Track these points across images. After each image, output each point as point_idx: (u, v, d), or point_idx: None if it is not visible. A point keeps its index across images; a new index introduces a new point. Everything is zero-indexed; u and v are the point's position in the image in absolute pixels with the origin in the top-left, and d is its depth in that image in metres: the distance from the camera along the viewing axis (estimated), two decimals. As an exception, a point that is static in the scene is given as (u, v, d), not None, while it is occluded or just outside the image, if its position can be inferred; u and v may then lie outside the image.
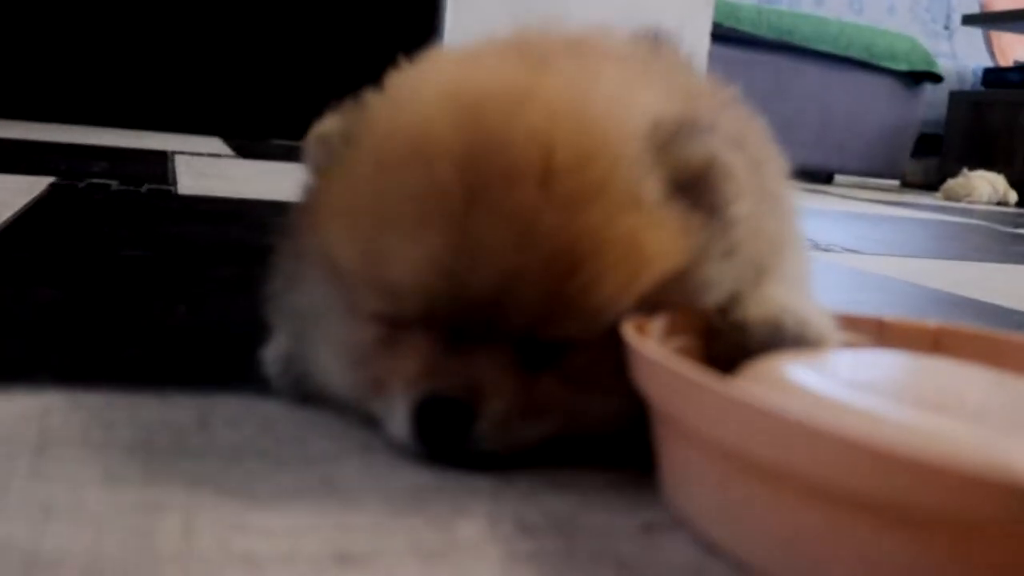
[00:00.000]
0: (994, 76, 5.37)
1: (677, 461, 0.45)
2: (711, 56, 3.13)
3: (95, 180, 1.68)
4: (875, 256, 1.69)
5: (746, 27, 4.34)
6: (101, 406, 0.53)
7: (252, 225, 1.31)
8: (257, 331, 0.60)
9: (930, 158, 5.39)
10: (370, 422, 0.52)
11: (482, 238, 0.46)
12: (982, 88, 5.43)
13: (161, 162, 2.21)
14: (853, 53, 4.67)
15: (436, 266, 0.47)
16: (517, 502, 0.45)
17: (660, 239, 0.48)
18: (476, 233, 0.46)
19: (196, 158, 2.44)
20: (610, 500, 0.47)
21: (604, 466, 0.50)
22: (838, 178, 5.08)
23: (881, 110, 4.87)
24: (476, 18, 2.87)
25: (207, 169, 2.17)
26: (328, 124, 0.54)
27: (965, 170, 4.55)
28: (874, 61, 4.74)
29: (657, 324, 0.49)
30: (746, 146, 0.56)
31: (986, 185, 4.45)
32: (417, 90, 0.52)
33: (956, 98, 5.33)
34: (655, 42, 0.65)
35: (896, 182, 5.42)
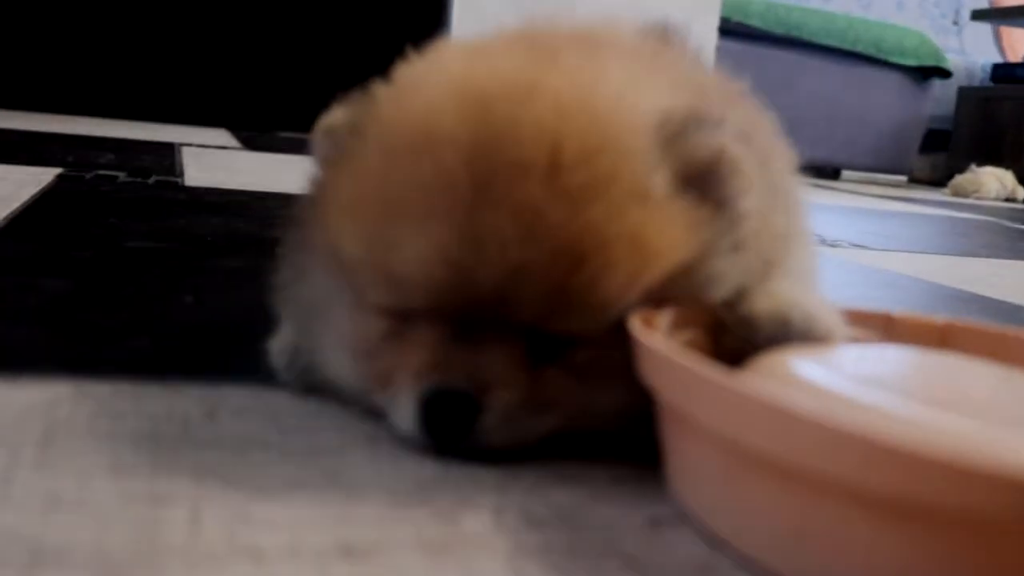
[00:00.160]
0: (1003, 71, 5.35)
1: (683, 456, 0.45)
2: (719, 51, 3.12)
3: (102, 172, 1.68)
4: (883, 252, 1.69)
5: (754, 22, 4.33)
6: (108, 396, 0.54)
7: (259, 217, 1.31)
8: (264, 323, 0.60)
9: (938, 154, 5.38)
10: (376, 414, 0.52)
11: (488, 231, 0.46)
12: (991, 83, 5.42)
13: (168, 154, 2.21)
14: (861, 48, 4.66)
15: (442, 258, 0.47)
16: (523, 495, 0.45)
17: (667, 233, 0.48)
18: (483, 226, 0.46)
19: (203, 150, 2.44)
20: (617, 494, 0.47)
21: (611, 460, 0.50)
22: (845, 173, 5.07)
23: (889, 105, 4.86)
24: (484, 10, 2.87)
25: (214, 161, 2.17)
26: (335, 116, 0.54)
27: (973, 166, 4.54)
28: (882, 56, 4.72)
29: (664, 318, 0.49)
30: (754, 140, 0.55)
31: (994, 181, 4.43)
32: (425, 82, 0.52)
33: (965, 93, 5.32)
34: (663, 36, 0.65)
35: (904, 178, 5.41)
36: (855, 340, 0.52)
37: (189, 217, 1.26)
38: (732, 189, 0.50)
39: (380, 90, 0.53)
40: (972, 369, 0.49)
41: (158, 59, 3.58)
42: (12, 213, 1.14)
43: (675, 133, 0.50)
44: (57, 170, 1.62)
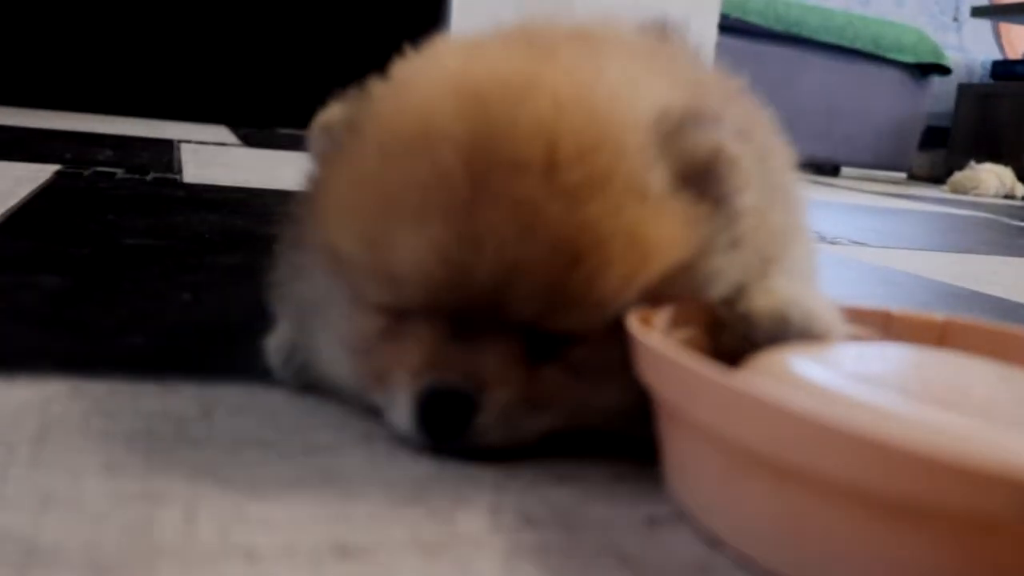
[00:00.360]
0: (1003, 69, 5.35)
1: (681, 454, 0.45)
2: (718, 47, 3.12)
3: (100, 168, 1.68)
4: (881, 249, 1.68)
5: (753, 18, 4.33)
6: (103, 395, 0.53)
7: (257, 214, 1.31)
8: (261, 320, 0.59)
9: (937, 151, 5.38)
10: (372, 412, 0.51)
11: (485, 228, 0.46)
12: (990, 81, 5.41)
13: (167, 151, 2.21)
14: (860, 45, 4.66)
15: (439, 256, 0.46)
16: (520, 494, 0.45)
17: (665, 231, 0.48)
18: (479, 223, 0.46)
19: (202, 147, 2.44)
20: (614, 493, 0.46)
21: (608, 459, 0.50)
22: (845, 170, 5.07)
23: (888, 102, 4.86)
24: (483, 7, 2.86)
25: (213, 158, 2.16)
26: (332, 112, 0.54)
27: (972, 163, 4.54)
28: (881, 53, 4.72)
29: (662, 316, 0.49)
30: (753, 137, 0.55)
31: (993, 178, 4.44)
32: (422, 79, 0.51)
33: (964, 91, 5.32)
34: (662, 33, 0.65)
35: (903, 175, 5.41)
36: (854, 338, 0.52)
37: (187, 214, 1.25)
38: (730, 186, 0.50)
39: (377, 87, 0.53)
40: (971, 367, 0.49)
41: (157, 55, 3.58)
42: (10, 210, 1.14)
43: (673, 130, 0.49)
44: (55, 167, 1.62)
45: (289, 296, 0.57)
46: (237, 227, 1.19)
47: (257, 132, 3.29)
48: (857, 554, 0.36)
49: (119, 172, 1.65)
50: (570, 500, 0.45)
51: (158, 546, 0.37)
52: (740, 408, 0.38)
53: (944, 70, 4.89)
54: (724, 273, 0.50)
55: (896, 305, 0.60)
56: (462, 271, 0.46)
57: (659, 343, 0.44)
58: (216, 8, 3.63)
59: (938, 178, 5.09)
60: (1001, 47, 6.15)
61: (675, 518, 0.44)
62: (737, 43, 4.09)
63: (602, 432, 0.51)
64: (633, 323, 0.47)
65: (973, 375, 0.48)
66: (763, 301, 0.51)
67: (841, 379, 0.43)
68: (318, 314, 0.53)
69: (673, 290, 0.49)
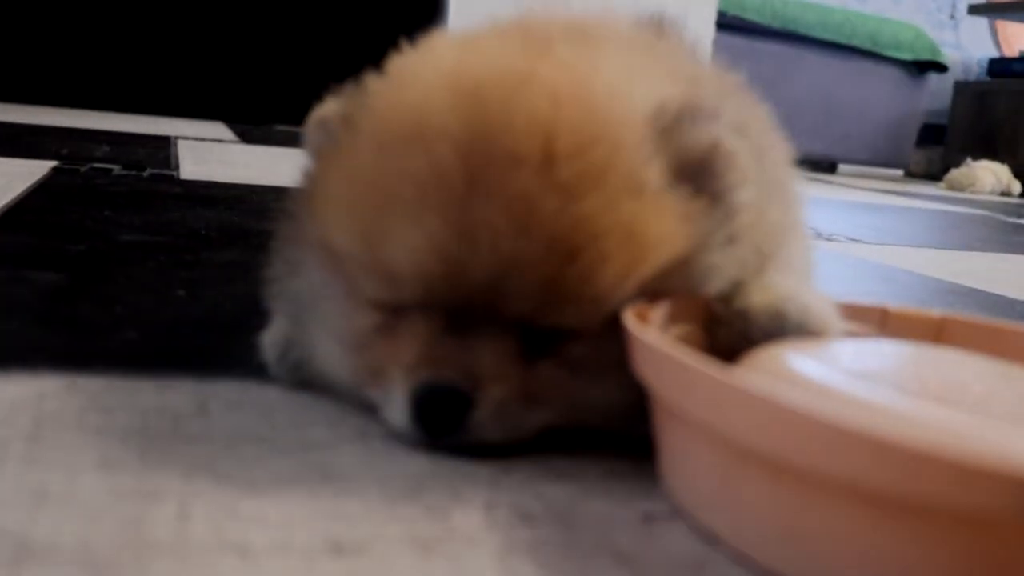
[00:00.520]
0: (999, 66, 5.35)
1: (677, 450, 0.45)
2: (715, 44, 3.12)
3: (97, 164, 1.68)
4: (878, 246, 1.68)
5: (751, 15, 4.32)
6: (98, 391, 0.53)
7: (254, 210, 1.31)
8: (256, 316, 0.59)
9: (934, 148, 5.38)
10: (368, 408, 0.51)
11: (481, 223, 0.45)
12: (987, 78, 5.41)
13: (164, 147, 2.21)
14: (858, 42, 4.65)
15: (435, 251, 0.46)
16: (515, 491, 0.45)
17: (662, 226, 0.48)
18: (475, 218, 0.45)
19: (199, 143, 2.44)
20: (610, 489, 0.46)
21: (604, 455, 0.50)
22: (842, 167, 5.07)
23: (885, 100, 4.86)
24: (480, 2, 2.86)
25: (210, 154, 2.16)
26: (328, 107, 0.54)
27: (969, 160, 4.55)
28: (879, 50, 4.72)
29: (658, 312, 0.49)
30: (750, 133, 0.55)
31: (989, 175, 4.44)
32: (418, 74, 0.51)
33: (961, 88, 5.32)
34: (659, 28, 0.65)
35: (900, 172, 5.41)
36: (851, 334, 0.52)
37: (183, 210, 1.25)
38: (727, 182, 0.50)
39: (373, 82, 0.53)
40: (968, 364, 0.49)
41: (154, 52, 3.57)
42: (6, 206, 1.14)
43: (670, 125, 0.49)
44: (52, 163, 1.61)
45: (285, 292, 0.57)
46: (233, 223, 1.19)
47: (254, 129, 3.29)
48: (854, 551, 0.36)
49: (116, 168, 1.65)
50: (566, 497, 0.45)
51: (152, 542, 0.37)
52: (736, 404, 0.38)
53: (941, 67, 4.89)
54: (721, 269, 0.50)
55: (893, 302, 0.60)
56: (458, 267, 0.46)
57: (655, 339, 0.43)
58: (214, 4, 3.62)
59: (935, 175, 5.09)
60: (998, 45, 6.15)
61: (671, 515, 0.44)
62: (734, 40, 4.09)
63: (598, 428, 0.51)
64: (629, 319, 0.46)
65: (970, 372, 0.48)
66: (760, 297, 0.51)
67: (838, 375, 0.43)
68: (314, 310, 0.53)
69: (670, 286, 0.49)
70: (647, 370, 0.45)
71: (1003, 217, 2.96)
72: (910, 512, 0.34)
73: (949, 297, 1.20)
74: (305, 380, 0.55)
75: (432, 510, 0.42)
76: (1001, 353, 0.53)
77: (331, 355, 0.53)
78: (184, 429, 0.49)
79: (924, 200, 3.38)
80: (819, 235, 1.69)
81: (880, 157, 4.97)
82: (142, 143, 2.25)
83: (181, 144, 2.32)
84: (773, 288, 0.51)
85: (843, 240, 1.69)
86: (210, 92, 3.64)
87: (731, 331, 0.51)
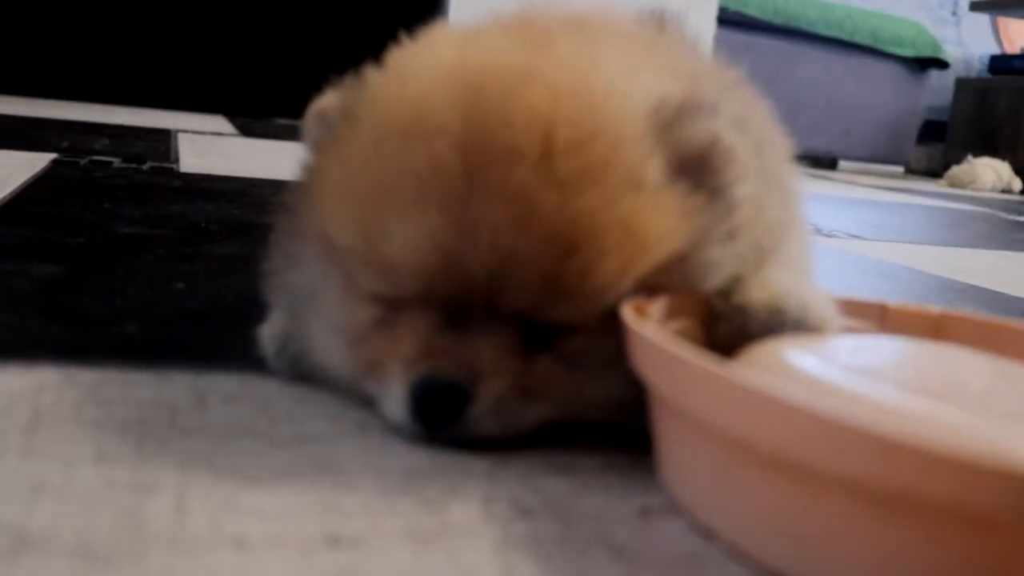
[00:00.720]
0: (1001, 63, 5.35)
1: (674, 445, 0.45)
2: (717, 40, 3.12)
3: (97, 157, 1.68)
4: (878, 242, 1.68)
5: (752, 11, 4.32)
6: (96, 383, 0.53)
7: (253, 204, 1.31)
8: (254, 309, 0.59)
9: (935, 145, 5.37)
10: (366, 402, 0.51)
11: (480, 217, 0.45)
12: (988, 75, 5.41)
13: (164, 140, 2.20)
14: (859, 38, 4.65)
15: (434, 245, 0.46)
16: (513, 484, 0.45)
17: (661, 221, 0.47)
18: (474, 212, 0.45)
19: (199, 136, 2.43)
20: (607, 483, 0.46)
21: (602, 449, 0.50)
22: (842, 164, 5.07)
23: (886, 96, 4.85)
24: (481, -1, 2.85)
25: (210, 147, 2.16)
26: (327, 100, 0.54)
27: (969, 157, 4.54)
28: (880, 47, 4.72)
29: (657, 307, 0.49)
30: (750, 128, 0.55)
31: (990, 172, 4.43)
32: (417, 67, 0.51)
33: (962, 85, 5.31)
34: (659, 23, 0.65)
35: (900, 168, 5.41)
36: (850, 330, 0.52)
37: (183, 203, 1.25)
38: (726, 177, 0.50)
39: (373, 75, 0.53)
40: (967, 360, 0.49)
41: (155, 45, 3.57)
42: (5, 198, 1.14)
43: (669, 121, 0.49)
44: (52, 155, 1.61)
45: (283, 285, 0.57)
46: (233, 216, 1.19)
47: (254, 122, 3.28)
48: (850, 547, 0.36)
49: (116, 161, 1.64)
50: (563, 491, 0.45)
51: (149, 535, 0.37)
52: (733, 399, 0.38)
53: (942, 64, 4.89)
54: (720, 264, 0.50)
55: (892, 298, 0.60)
56: (457, 261, 0.46)
57: (653, 333, 0.43)
58: (214, -3, 3.62)
59: (935, 172, 5.09)
60: (999, 41, 6.14)
61: (668, 509, 0.44)
62: (735, 36, 4.08)
63: (596, 423, 0.51)
64: (628, 314, 0.46)
65: (969, 368, 0.48)
66: (759, 293, 0.51)
67: (836, 371, 0.43)
68: (312, 303, 0.53)
69: (668, 281, 0.49)
70: (645, 365, 0.45)
71: (1004, 214, 2.95)
72: (908, 509, 0.34)
73: (949, 294, 1.19)
74: (304, 373, 0.55)
75: (430, 504, 0.42)
76: (1000, 350, 0.53)
77: (330, 348, 0.53)
78: (182, 422, 0.49)
79: (925, 197, 3.38)
80: (819, 231, 1.68)
81: (881, 153, 4.97)
82: (142, 136, 2.25)
83: (181, 137, 2.32)
84: (772, 284, 0.51)
85: (843, 236, 1.69)
86: (210, 85, 3.64)
87: (730, 326, 0.51)
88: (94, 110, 3.00)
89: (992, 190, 4.38)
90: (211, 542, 0.37)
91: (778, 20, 4.40)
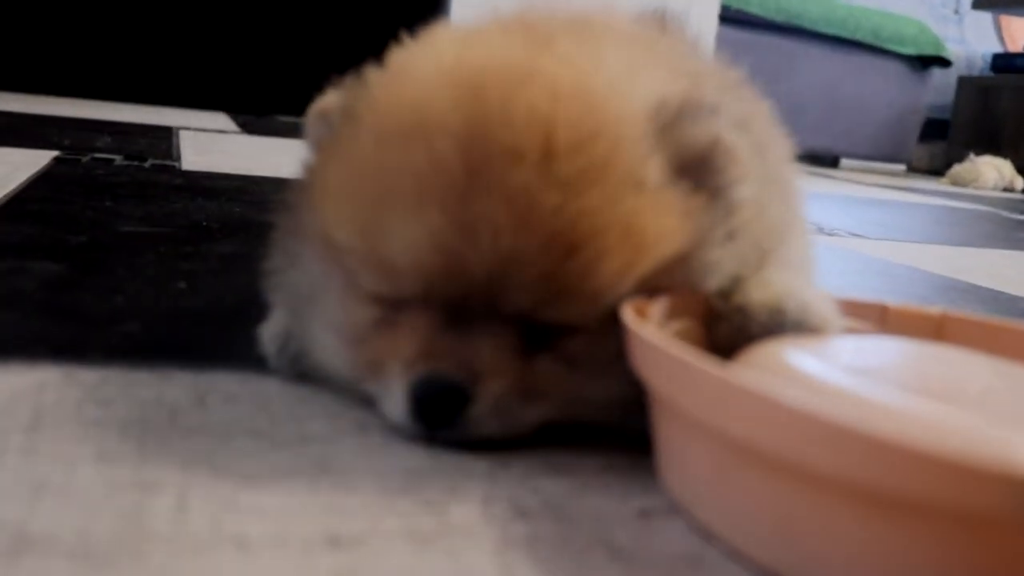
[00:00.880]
0: (1003, 61, 5.35)
1: (674, 446, 0.45)
2: (719, 38, 3.12)
3: (99, 155, 1.68)
4: (880, 241, 1.68)
5: (754, 9, 4.32)
6: (97, 382, 0.53)
7: (255, 202, 1.31)
8: (255, 308, 0.59)
9: (937, 143, 5.37)
10: (367, 401, 0.51)
11: (481, 217, 0.45)
12: (991, 73, 5.41)
13: (166, 137, 2.20)
14: (861, 37, 4.65)
15: (434, 244, 0.46)
16: (513, 485, 0.45)
17: (661, 221, 0.48)
18: (475, 212, 0.46)
19: (201, 134, 2.43)
20: (607, 484, 0.46)
21: (602, 449, 0.50)
22: (844, 162, 5.07)
23: (888, 94, 4.85)
24: (483, -4, 2.85)
25: (212, 145, 2.16)
26: (328, 100, 0.54)
27: (972, 156, 4.54)
28: (882, 45, 4.71)
29: (658, 307, 0.49)
30: (750, 128, 0.55)
31: (992, 171, 4.43)
32: (418, 67, 0.51)
33: (964, 83, 5.31)
34: (661, 23, 0.65)
35: (902, 167, 5.40)
36: (850, 331, 0.52)
37: (185, 201, 1.25)
38: (727, 178, 0.50)
39: (374, 74, 0.53)
40: (967, 361, 0.49)
41: (157, 42, 3.57)
42: (7, 196, 1.14)
43: (670, 121, 0.49)
44: (53, 153, 1.61)
45: (284, 284, 0.57)
46: (234, 215, 1.19)
47: (256, 119, 3.29)
48: (849, 548, 0.36)
49: (117, 159, 1.65)
50: (563, 491, 0.45)
51: (149, 535, 0.37)
52: (732, 401, 0.38)
53: (944, 62, 4.89)
54: (720, 265, 0.50)
55: (893, 298, 0.60)
56: (457, 261, 0.46)
57: (652, 334, 0.43)
58: (216, -5, 3.62)
59: (937, 170, 5.09)
60: (1002, 40, 6.14)
61: (668, 511, 0.44)
62: (737, 34, 4.08)
63: (597, 423, 0.51)
64: (628, 314, 0.46)
65: (969, 369, 0.48)
66: (759, 293, 0.51)
67: (836, 372, 0.43)
68: (313, 303, 0.53)
69: (669, 281, 0.49)
70: (644, 366, 0.45)
71: (1006, 213, 2.95)
72: (906, 511, 0.34)
73: (950, 293, 1.19)
74: (304, 373, 0.56)
75: (430, 504, 0.42)
76: (1000, 351, 0.53)
77: (330, 348, 0.53)
78: (182, 421, 0.49)
79: (926, 195, 3.38)
80: (821, 230, 1.68)
81: (883, 152, 4.97)
82: (144, 133, 2.25)
83: (183, 135, 2.32)
84: (772, 284, 0.51)
85: (845, 235, 1.69)
86: (212, 82, 3.64)
87: (730, 327, 0.51)
88: (96, 107, 3.00)
89: (994, 188, 4.38)
90: (211, 542, 0.37)
91: (780, 18, 4.40)
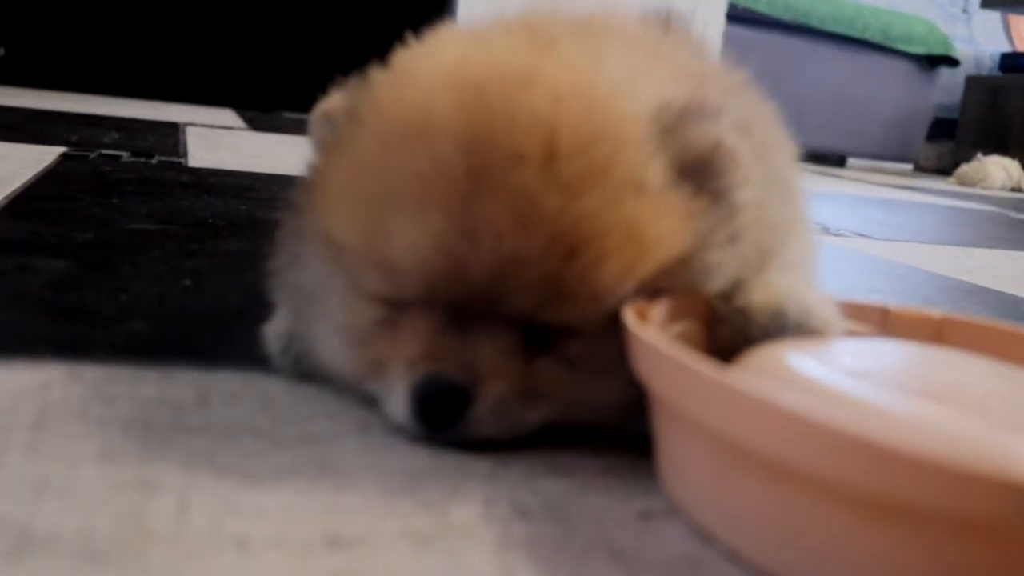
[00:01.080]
0: (1012, 61, 5.34)
1: (674, 449, 0.45)
2: (727, 37, 3.11)
3: (106, 151, 1.68)
4: (885, 241, 1.68)
5: (762, 8, 4.31)
6: (101, 380, 0.53)
7: (261, 199, 1.31)
8: (260, 307, 0.60)
9: (945, 142, 5.37)
10: (369, 402, 0.51)
11: (483, 219, 0.46)
12: (999, 73, 5.40)
13: (173, 134, 2.21)
14: (869, 36, 4.64)
15: (437, 247, 0.46)
16: (513, 486, 0.45)
17: (663, 224, 0.48)
18: (477, 214, 0.46)
19: (208, 130, 2.44)
20: (607, 486, 0.46)
21: (603, 450, 0.50)
22: (851, 161, 5.06)
23: (896, 93, 4.85)
24: (491, -6, 2.85)
25: (218, 141, 2.17)
26: (332, 101, 0.54)
27: (979, 155, 4.53)
28: (890, 44, 4.71)
29: (659, 309, 0.49)
30: (753, 131, 0.55)
31: (1000, 171, 4.43)
32: (422, 69, 0.51)
33: (972, 83, 5.30)
34: (666, 23, 0.65)
35: (910, 166, 5.40)
36: (851, 334, 0.52)
37: (191, 198, 1.26)
38: (729, 181, 0.50)
39: (378, 76, 0.53)
40: (968, 364, 0.49)
41: (165, 38, 3.57)
42: (13, 192, 1.14)
43: (673, 123, 0.49)
44: (61, 149, 1.62)
45: (288, 284, 0.57)
46: (240, 212, 1.19)
47: (263, 115, 3.29)
48: (847, 552, 0.36)
49: (124, 155, 1.65)
50: (563, 493, 0.45)
51: (150, 535, 0.37)
52: (730, 404, 0.38)
53: (953, 62, 4.88)
54: (721, 267, 0.50)
55: (898, 300, 0.60)
56: (459, 262, 0.46)
57: (652, 337, 0.44)
58: (224, -9, 3.63)
59: (945, 170, 5.08)
60: (1011, 39, 6.13)
61: (668, 513, 0.44)
62: (746, 33, 4.08)
63: (598, 425, 0.51)
64: (629, 317, 0.47)
65: (970, 373, 0.48)
66: (760, 296, 0.51)
67: (837, 375, 0.43)
68: (316, 303, 0.53)
69: (670, 283, 0.49)
70: (644, 368, 0.45)
71: (1013, 214, 2.95)
72: (904, 516, 0.34)
73: (955, 295, 1.19)
74: (307, 372, 0.56)
75: (430, 505, 0.42)
76: (1002, 354, 0.53)
77: (332, 348, 0.53)
78: (185, 420, 0.49)
79: (934, 195, 3.37)
80: (826, 230, 1.68)
81: (890, 151, 4.96)
82: (151, 129, 2.25)
83: (190, 131, 2.33)
84: (774, 287, 0.51)
85: (850, 235, 1.69)
86: (220, 79, 3.65)
87: (731, 329, 0.51)
88: (104, 102, 3.01)
89: (1002, 188, 4.38)
90: (212, 542, 0.37)
91: (788, 17, 4.39)
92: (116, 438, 0.46)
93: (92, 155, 1.60)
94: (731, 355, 0.50)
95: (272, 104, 3.61)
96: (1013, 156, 4.60)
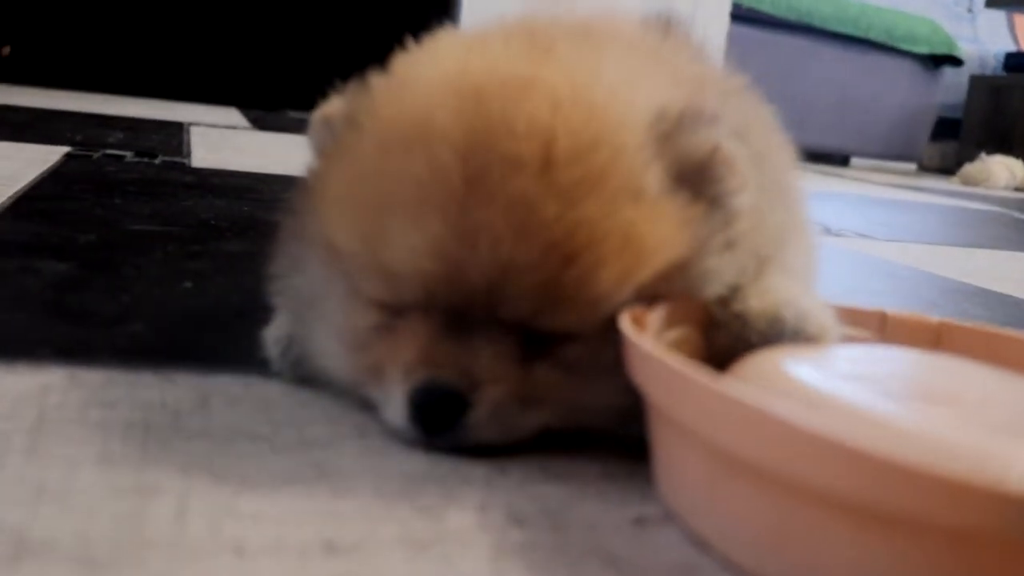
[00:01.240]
0: (1016, 61, 5.34)
1: (669, 455, 0.45)
2: (730, 37, 3.11)
3: (110, 151, 1.69)
4: (887, 242, 1.68)
5: (766, 8, 4.31)
6: (101, 384, 0.54)
7: (264, 200, 1.31)
8: (260, 310, 0.60)
9: (948, 142, 5.36)
10: (367, 406, 0.52)
11: (481, 225, 0.46)
12: (1003, 72, 5.39)
13: (176, 133, 2.21)
14: (873, 35, 4.64)
15: (434, 252, 0.47)
16: (510, 492, 0.45)
17: (660, 230, 0.48)
18: (475, 220, 0.46)
19: (212, 129, 2.44)
20: (603, 492, 0.47)
21: (599, 456, 0.50)
22: (855, 161, 5.06)
23: (900, 93, 4.84)
24: (494, -6, 2.85)
25: (222, 141, 2.17)
26: (332, 106, 0.54)
27: (983, 155, 4.53)
28: (894, 44, 4.71)
29: (656, 315, 0.49)
30: (752, 136, 0.55)
31: (1004, 170, 4.42)
32: (421, 75, 0.52)
33: (976, 82, 5.30)
34: (665, 29, 0.65)
35: (913, 166, 5.39)
36: (848, 339, 0.52)
37: (194, 199, 1.26)
38: (726, 187, 0.50)
39: (377, 81, 0.53)
40: (966, 370, 0.49)
41: (170, 37, 3.58)
42: (17, 193, 1.14)
43: (670, 130, 0.49)
44: (65, 148, 1.62)
45: (288, 288, 0.57)
46: (243, 213, 1.19)
47: (268, 115, 3.29)
48: (841, 561, 0.36)
49: (128, 155, 1.65)
50: (559, 499, 0.45)
51: (148, 540, 0.37)
52: (724, 412, 0.38)
53: (957, 61, 4.88)
54: (719, 273, 0.51)
55: (899, 302, 0.60)
56: (457, 268, 0.47)
57: (648, 343, 0.44)
58: (228, -10, 3.63)
59: (949, 169, 5.07)
60: (1015, 39, 6.12)
61: (663, 519, 0.44)
62: (749, 32, 4.08)
63: (594, 430, 0.51)
64: (625, 323, 0.47)
65: (967, 378, 0.48)
66: (757, 301, 0.51)
67: (834, 381, 0.43)
68: (315, 307, 0.54)
69: (668, 289, 0.49)
70: (640, 375, 0.45)
71: (1017, 214, 2.94)
72: (898, 525, 0.34)
73: (957, 297, 1.19)
74: (306, 376, 0.56)
75: (426, 510, 0.43)
76: (999, 360, 0.53)
77: (331, 353, 0.53)
78: (184, 424, 0.49)
79: (937, 195, 3.37)
80: (828, 231, 1.68)
81: (894, 151, 4.96)
82: (155, 129, 2.26)
83: (194, 131, 2.33)
84: (771, 292, 0.51)
85: (851, 236, 1.69)
86: (224, 78, 3.65)
87: (729, 335, 0.51)
88: (110, 101, 3.01)
89: (1005, 188, 4.37)
90: (210, 547, 0.37)
91: (792, 17, 4.39)
92: (116, 442, 0.46)
93: (96, 155, 1.61)
94: (728, 361, 0.50)
95: (277, 103, 3.61)
96: (1017, 156, 4.59)
